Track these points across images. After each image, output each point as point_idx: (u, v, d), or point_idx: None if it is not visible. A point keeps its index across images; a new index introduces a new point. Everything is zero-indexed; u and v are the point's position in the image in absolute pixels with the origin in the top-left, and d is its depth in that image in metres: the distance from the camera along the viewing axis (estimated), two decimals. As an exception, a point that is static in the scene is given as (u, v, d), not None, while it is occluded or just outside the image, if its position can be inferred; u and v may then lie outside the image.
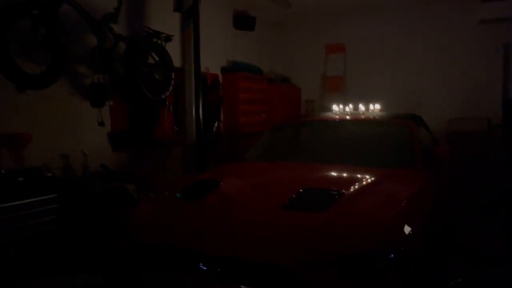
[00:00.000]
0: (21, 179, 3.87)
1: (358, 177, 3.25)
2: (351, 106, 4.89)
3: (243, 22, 7.50)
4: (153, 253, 2.72)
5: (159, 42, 5.36)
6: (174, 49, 5.57)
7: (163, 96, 5.49)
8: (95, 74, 4.85)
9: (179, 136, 5.84)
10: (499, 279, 3.83)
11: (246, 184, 3.53)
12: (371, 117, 4.58)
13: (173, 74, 5.54)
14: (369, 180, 3.13)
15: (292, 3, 7.33)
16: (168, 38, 5.41)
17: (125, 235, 2.96)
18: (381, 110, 4.82)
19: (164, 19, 5.69)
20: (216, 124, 6.66)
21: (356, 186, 2.99)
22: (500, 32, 6.63)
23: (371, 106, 4.81)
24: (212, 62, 6.70)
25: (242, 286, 2.37)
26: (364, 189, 2.98)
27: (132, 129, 5.41)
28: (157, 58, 5.40)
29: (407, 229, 2.49)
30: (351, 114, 4.75)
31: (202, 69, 5.78)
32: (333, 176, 3.59)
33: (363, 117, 4.60)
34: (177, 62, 5.64)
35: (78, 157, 4.69)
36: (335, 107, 4.94)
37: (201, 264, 2.50)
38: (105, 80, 4.91)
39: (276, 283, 2.34)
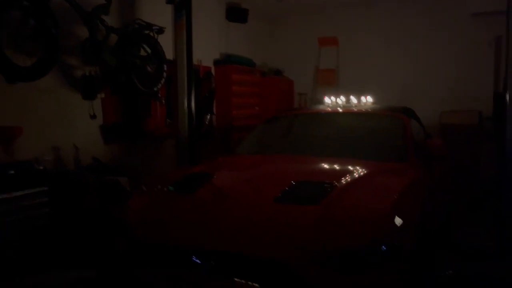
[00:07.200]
0: (12, 172, 3.85)
1: (350, 170, 3.26)
2: (343, 98, 4.88)
3: (236, 14, 7.47)
4: (148, 248, 2.72)
5: (151, 34, 5.33)
6: (166, 41, 5.53)
7: (155, 89, 5.47)
8: (87, 66, 4.82)
9: (172, 128, 5.82)
10: (489, 272, 3.87)
11: (239, 177, 3.52)
12: (363, 110, 4.59)
13: (165, 66, 5.52)
14: (361, 173, 3.14)
15: (285, -5, 7.31)
16: (160, 30, 5.37)
17: (119, 231, 2.95)
18: (373, 103, 4.83)
19: (156, 11, 5.65)
20: (208, 116, 6.65)
21: (348, 179, 3.00)
22: (492, 25, 6.63)
23: (363, 99, 4.81)
24: (204, 54, 6.67)
25: (235, 279, 2.38)
26: (356, 182, 2.99)
27: (124, 122, 5.38)
28: (149, 50, 5.37)
29: (399, 222, 2.50)
30: (343, 107, 4.75)
31: (195, 62, 5.74)
32: (326, 169, 3.59)
33: (355, 110, 4.60)
34: (169, 54, 5.60)
35: (69, 150, 4.66)
36: (327, 100, 4.94)
37: (194, 257, 2.51)
38: (96, 72, 4.88)
39: (268, 276, 2.35)
